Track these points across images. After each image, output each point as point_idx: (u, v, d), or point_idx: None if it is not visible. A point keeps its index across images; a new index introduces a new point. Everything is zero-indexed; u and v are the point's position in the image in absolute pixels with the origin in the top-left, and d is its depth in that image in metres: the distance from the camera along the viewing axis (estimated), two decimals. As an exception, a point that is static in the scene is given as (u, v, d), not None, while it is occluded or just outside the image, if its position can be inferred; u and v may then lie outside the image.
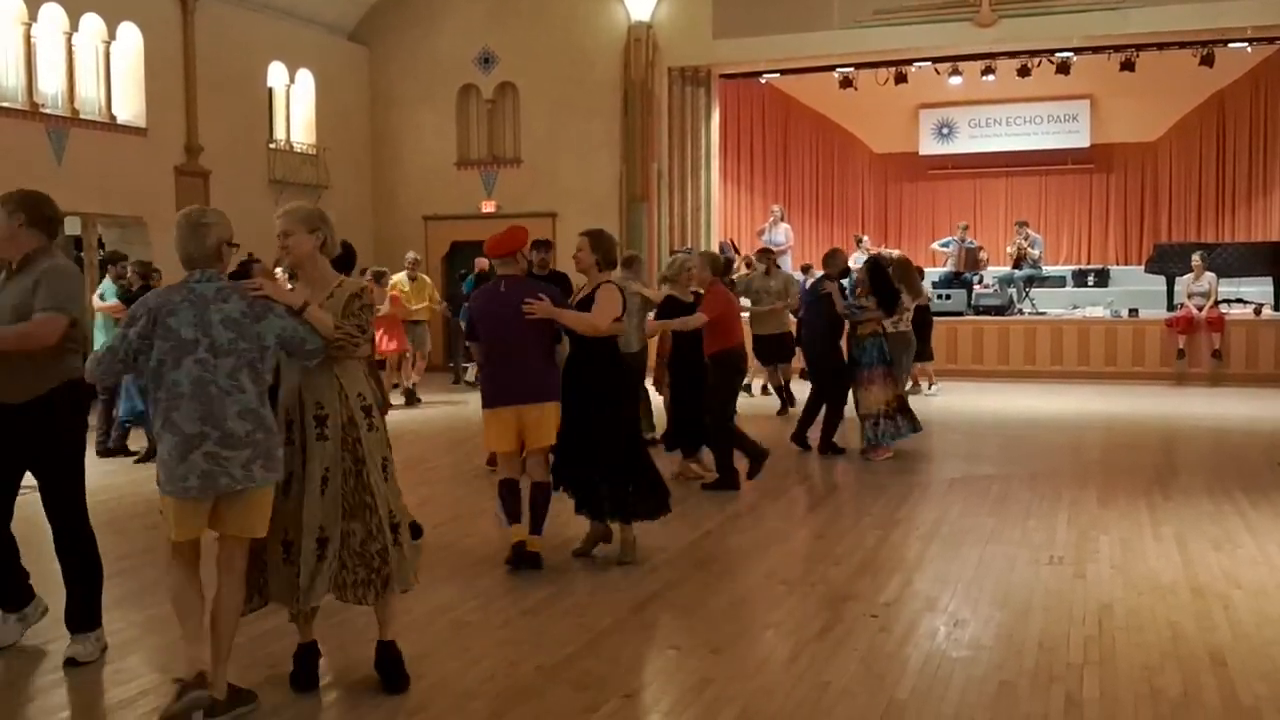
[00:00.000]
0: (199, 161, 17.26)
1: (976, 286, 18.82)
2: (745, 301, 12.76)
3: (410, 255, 15.69)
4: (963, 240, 19.57)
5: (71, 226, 16.66)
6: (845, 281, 11.32)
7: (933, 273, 19.65)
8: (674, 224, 19.65)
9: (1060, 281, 20.27)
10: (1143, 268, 18.90)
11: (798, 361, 12.88)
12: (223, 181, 17.40)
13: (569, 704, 4.42)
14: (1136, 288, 18.83)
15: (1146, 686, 4.51)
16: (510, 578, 6.23)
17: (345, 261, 6.80)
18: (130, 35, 16.29)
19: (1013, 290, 18.69)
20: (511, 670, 4.76)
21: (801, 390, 11.89)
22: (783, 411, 13.22)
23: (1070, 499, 8.24)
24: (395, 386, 14.34)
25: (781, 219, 19.68)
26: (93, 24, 15.78)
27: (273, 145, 18.94)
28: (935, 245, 20.67)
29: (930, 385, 15.03)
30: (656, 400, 10.33)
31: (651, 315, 9.45)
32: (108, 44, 16.02)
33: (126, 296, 10.66)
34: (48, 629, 5.30)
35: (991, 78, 20.30)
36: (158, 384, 4.06)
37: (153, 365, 4.05)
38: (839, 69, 20.10)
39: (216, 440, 4.03)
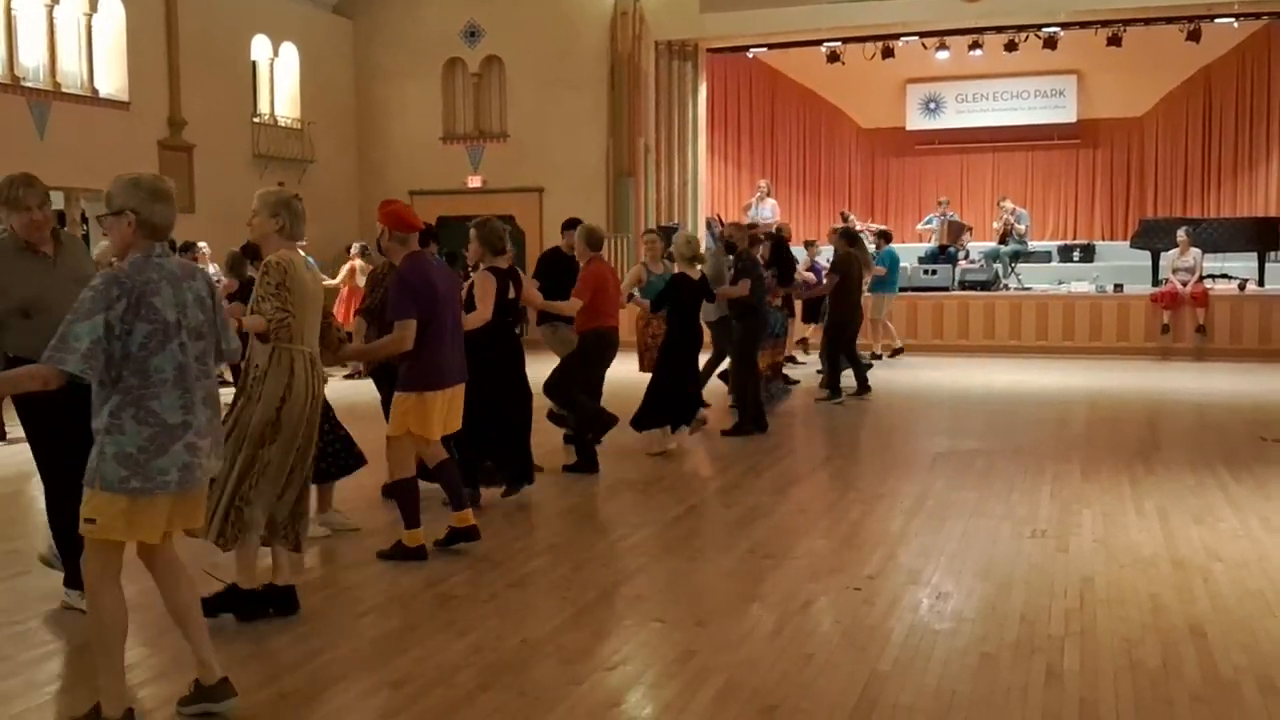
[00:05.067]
0: (182, 136, 17.13)
1: (962, 262, 18.85)
2: None
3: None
4: (944, 214, 19.59)
5: (55, 201, 16.52)
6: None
7: (918, 249, 19.70)
8: (660, 199, 19.60)
9: (1046, 257, 20.34)
10: (1128, 243, 18.94)
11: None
12: (206, 156, 17.28)
13: (554, 677, 4.44)
14: (1122, 263, 18.88)
15: (1126, 658, 4.55)
16: (497, 551, 6.24)
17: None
18: (112, 8, 16.12)
19: (999, 265, 18.73)
20: (497, 643, 4.77)
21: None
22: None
23: (1054, 473, 8.28)
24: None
25: (768, 194, 19.66)
26: (74, -4, 15.65)
27: (257, 119, 18.81)
28: (919, 226, 20.71)
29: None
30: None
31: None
32: (89, 17, 15.86)
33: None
34: (27, 605, 5.30)
35: (979, 52, 20.27)
36: (133, 370, 3.68)
37: (132, 350, 3.66)
38: (826, 43, 20.08)
39: (194, 430, 3.79)
